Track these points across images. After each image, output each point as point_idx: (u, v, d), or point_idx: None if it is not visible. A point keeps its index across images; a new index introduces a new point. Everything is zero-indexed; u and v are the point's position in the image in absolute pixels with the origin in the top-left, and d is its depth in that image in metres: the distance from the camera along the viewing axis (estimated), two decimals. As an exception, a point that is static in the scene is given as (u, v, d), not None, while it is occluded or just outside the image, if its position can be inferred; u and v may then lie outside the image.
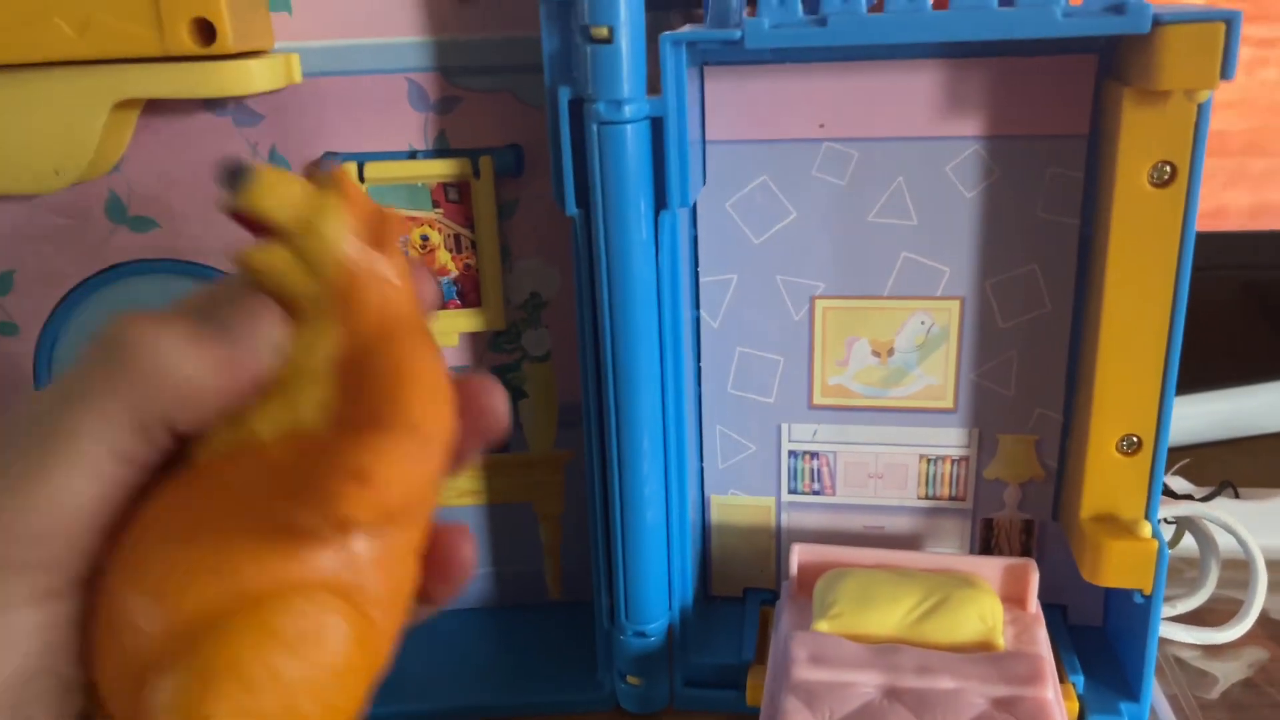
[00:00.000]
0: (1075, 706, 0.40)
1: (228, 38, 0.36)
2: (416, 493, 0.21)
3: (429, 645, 0.46)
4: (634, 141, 0.35)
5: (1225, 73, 0.32)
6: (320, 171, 0.23)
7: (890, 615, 0.38)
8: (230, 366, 0.21)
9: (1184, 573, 0.49)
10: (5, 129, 0.38)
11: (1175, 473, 0.53)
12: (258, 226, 0.22)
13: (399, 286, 0.23)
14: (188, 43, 0.36)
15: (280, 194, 0.22)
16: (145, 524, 0.21)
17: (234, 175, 0.21)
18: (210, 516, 0.21)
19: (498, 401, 0.24)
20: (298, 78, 0.39)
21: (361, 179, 0.41)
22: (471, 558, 0.24)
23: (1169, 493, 0.50)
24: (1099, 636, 0.44)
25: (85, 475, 0.20)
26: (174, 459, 0.22)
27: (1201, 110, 0.34)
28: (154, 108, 0.40)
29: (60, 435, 0.20)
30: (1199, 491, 0.51)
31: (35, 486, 0.20)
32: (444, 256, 0.43)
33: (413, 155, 0.41)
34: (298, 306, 0.22)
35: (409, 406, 0.22)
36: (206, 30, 0.36)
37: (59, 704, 0.21)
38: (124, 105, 0.38)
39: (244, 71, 0.37)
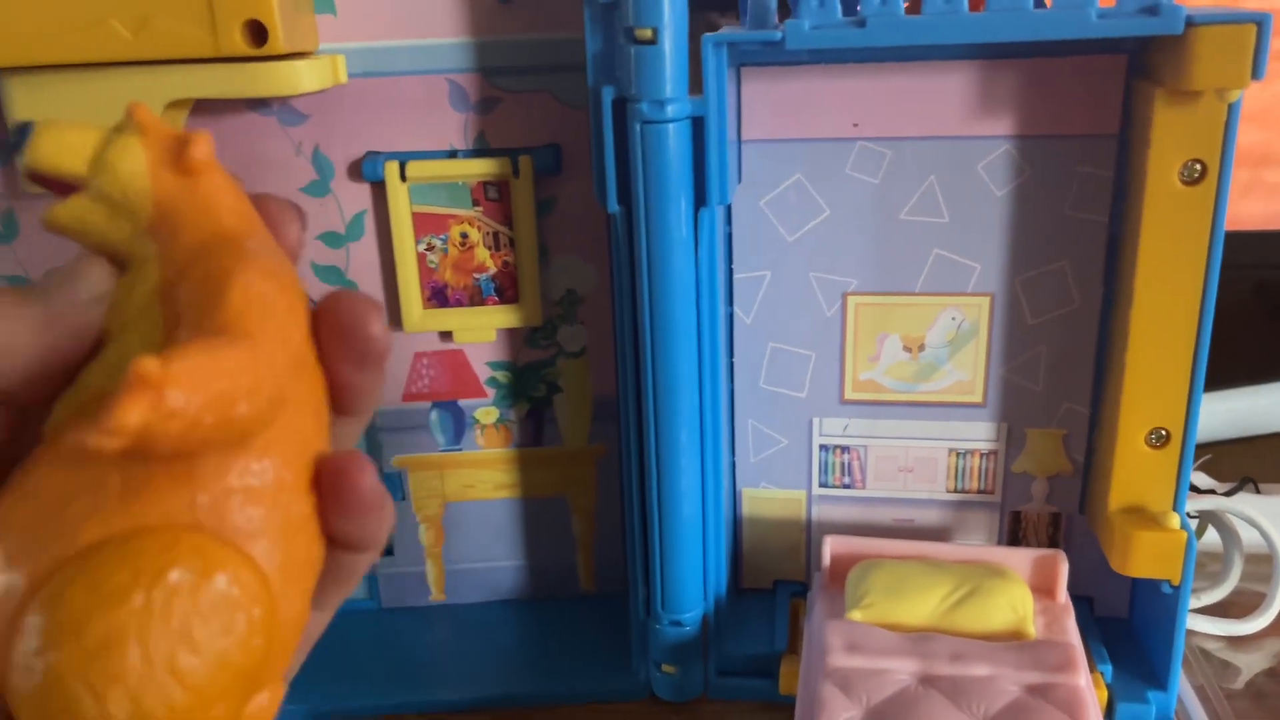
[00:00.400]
0: (1104, 695, 0.41)
1: (279, 39, 0.37)
2: (229, 396, 0.19)
3: (465, 636, 0.47)
4: (676, 140, 0.36)
5: (1256, 73, 0.33)
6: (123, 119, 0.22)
7: (922, 605, 0.39)
8: (47, 323, 0.21)
9: (1207, 566, 0.49)
10: (58, 128, 0.39)
11: (1197, 468, 0.54)
12: (62, 186, 0.21)
13: (216, 206, 0.22)
14: (241, 44, 0.36)
15: (68, 144, 0.21)
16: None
17: (22, 137, 0.21)
18: (52, 483, 0.20)
19: (363, 313, 0.22)
20: (344, 78, 0.40)
21: (403, 178, 0.42)
22: (369, 485, 0.21)
23: (1192, 488, 0.51)
24: (1125, 628, 0.45)
25: None
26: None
27: (1232, 110, 0.35)
28: (202, 107, 0.41)
29: None
30: (1221, 487, 0.52)
31: None
32: (483, 254, 0.43)
33: (453, 154, 0.42)
34: (121, 252, 0.22)
35: (222, 310, 0.20)
36: (259, 32, 0.37)
37: None
38: (175, 105, 0.39)
39: (292, 72, 0.38)
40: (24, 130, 0.21)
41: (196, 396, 0.18)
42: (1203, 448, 0.59)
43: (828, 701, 0.36)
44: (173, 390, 0.17)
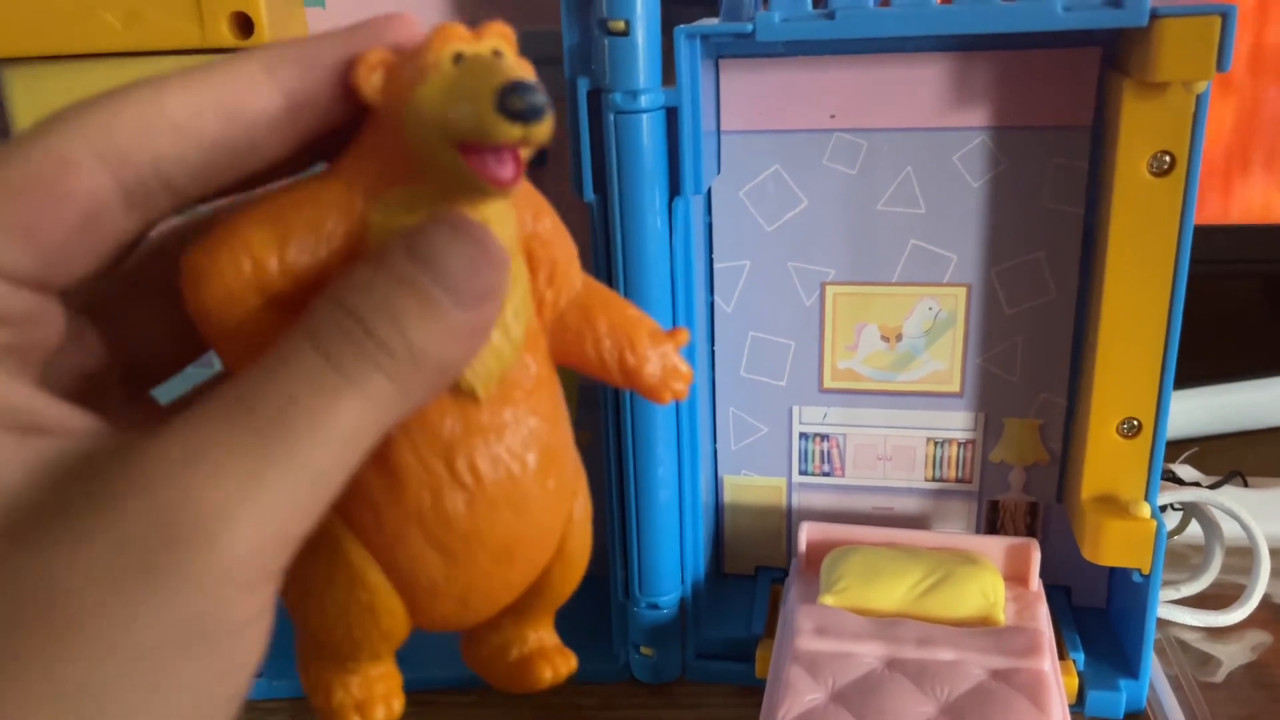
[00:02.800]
0: (1075, 682, 0.41)
1: (265, 32, 0.38)
2: None
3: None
4: (649, 130, 0.37)
5: (1221, 64, 0.33)
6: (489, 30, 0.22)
7: (894, 590, 0.40)
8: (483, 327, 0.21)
9: (1189, 558, 0.49)
10: (55, 118, 0.40)
11: (1184, 461, 0.54)
12: (517, 174, 0.20)
13: None
14: (228, 35, 0.37)
15: None
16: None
17: (541, 101, 0.18)
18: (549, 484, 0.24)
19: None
20: (330, 69, 0.41)
21: (390, 167, 0.43)
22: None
23: (1176, 480, 0.51)
24: (1102, 618, 0.45)
25: None
26: None
27: (1200, 101, 0.35)
28: (194, 98, 0.42)
29: None
30: (1207, 480, 0.52)
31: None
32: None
33: (439, 144, 0.43)
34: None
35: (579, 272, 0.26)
36: (245, 24, 0.38)
37: None
38: (166, 95, 0.40)
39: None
40: (537, 96, 0.18)
41: None
42: (1192, 441, 0.59)
43: (793, 683, 0.37)
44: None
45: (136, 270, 0.23)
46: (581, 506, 0.26)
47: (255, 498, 0.17)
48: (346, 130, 0.21)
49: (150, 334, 0.23)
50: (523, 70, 0.19)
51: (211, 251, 0.20)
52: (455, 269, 0.18)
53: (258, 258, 0.20)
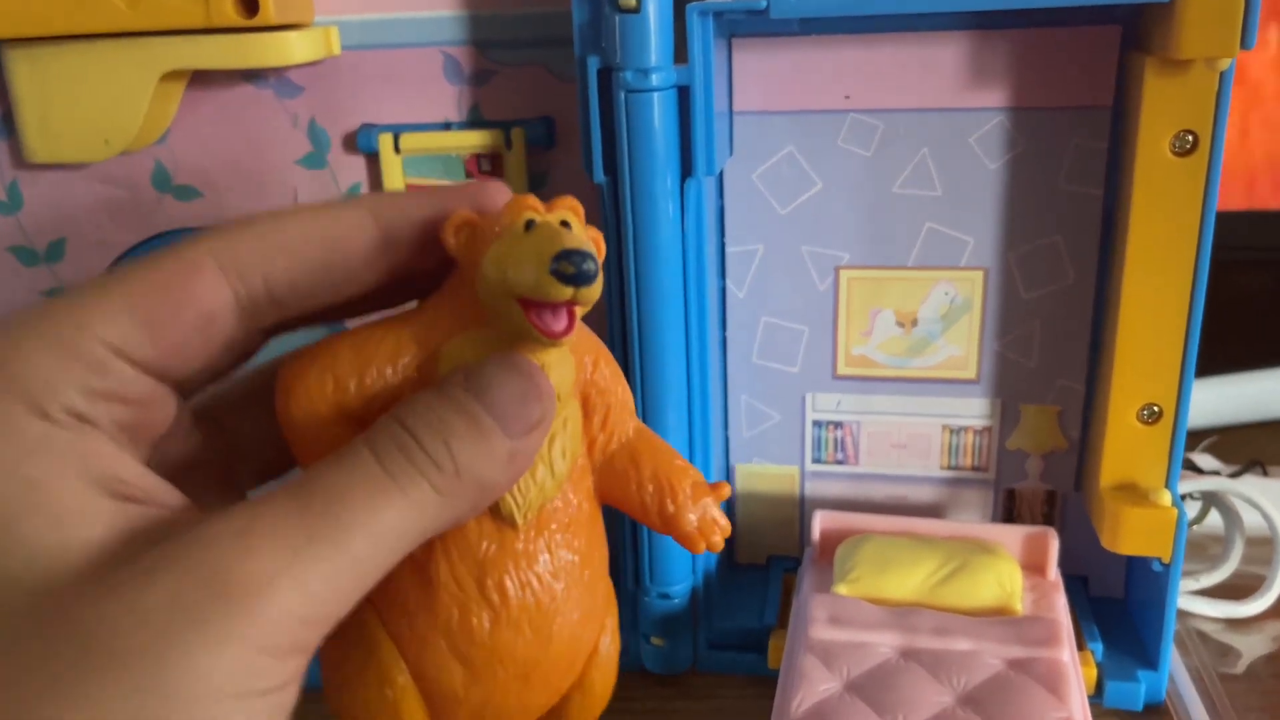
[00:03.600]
0: (1094, 673, 0.40)
1: (269, 10, 0.37)
2: None
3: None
4: (661, 109, 0.36)
5: (1245, 41, 0.33)
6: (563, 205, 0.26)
7: (909, 580, 0.39)
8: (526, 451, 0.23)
9: (1209, 548, 0.49)
10: (58, 99, 0.40)
11: (1203, 450, 0.53)
12: (569, 327, 0.23)
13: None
14: (232, 14, 0.37)
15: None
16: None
17: (591, 267, 0.22)
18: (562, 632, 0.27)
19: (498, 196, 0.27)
20: (337, 49, 0.41)
21: (397, 150, 0.42)
22: None
23: (1195, 468, 0.50)
24: (1120, 608, 0.44)
25: None
26: None
27: (1223, 79, 0.34)
28: (198, 80, 0.41)
29: None
30: (1227, 469, 0.51)
31: None
32: (477, 226, 0.44)
33: (447, 127, 0.42)
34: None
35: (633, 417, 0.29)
36: (250, 4, 0.37)
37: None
38: (170, 77, 0.39)
39: (284, 43, 0.38)
40: (587, 263, 0.22)
41: None
42: (1210, 430, 0.58)
43: (808, 673, 0.36)
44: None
45: (248, 385, 0.26)
46: (609, 641, 0.28)
47: (296, 573, 0.19)
48: (436, 274, 0.25)
49: (252, 439, 0.26)
50: (583, 240, 0.22)
51: (302, 367, 0.24)
52: (505, 399, 0.21)
53: (340, 378, 0.23)
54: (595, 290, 0.22)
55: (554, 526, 0.25)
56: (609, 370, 0.27)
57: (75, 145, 0.40)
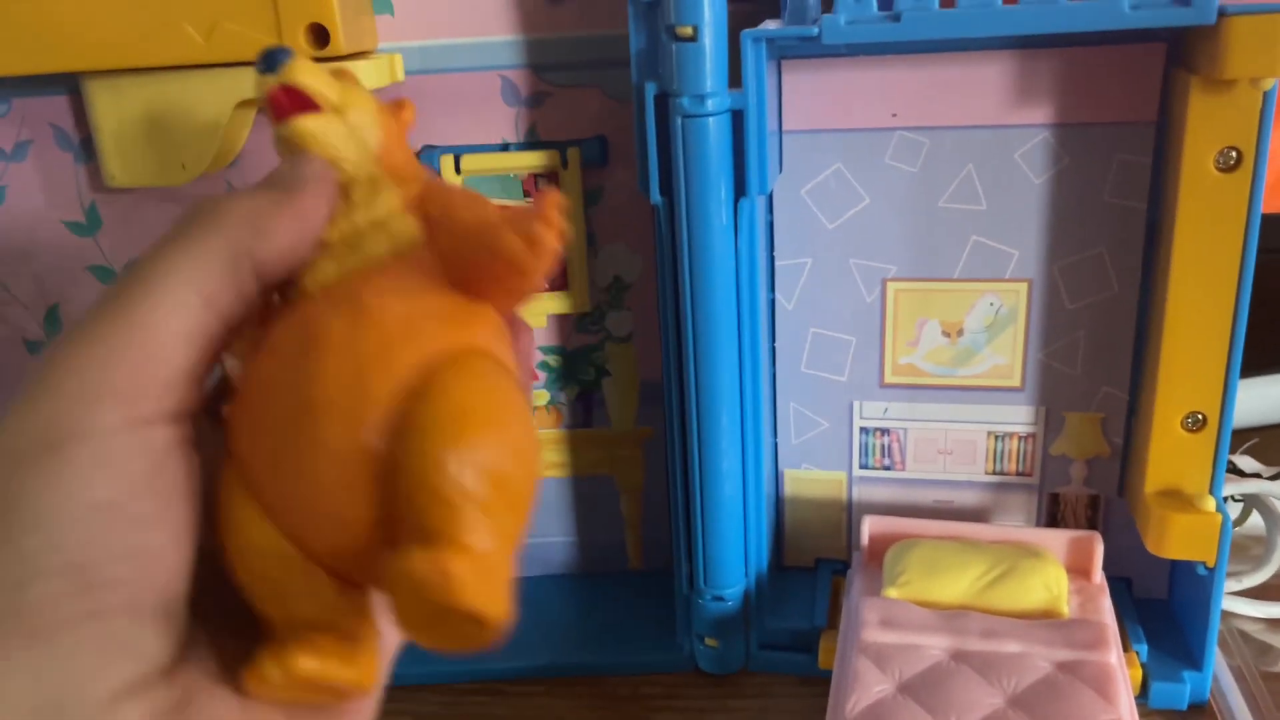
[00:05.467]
0: (1139, 674, 0.41)
1: (340, 40, 0.39)
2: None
3: (519, 607, 0.49)
4: (716, 133, 0.37)
5: (1290, 61, 0.33)
6: (337, 70, 0.26)
7: (957, 583, 0.40)
8: (300, 206, 0.24)
9: (1250, 549, 0.49)
10: (136, 126, 0.42)
11: (1244, 452, 0.54)
12: (294, 105, 0.25)
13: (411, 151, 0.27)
14: (304, 46, 0.39)
15: (319, 74, 0.25)
16: (296, 325, 0.23)
17: (273, 57, 0.24)
18: (393, 312, 0.23)
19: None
20: (401, 76, 0.42)
21: (458, 170, 0.44)
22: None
23: (1237, 471, 0.51)
24: (1163, 609, 0.45)
25: (173, 310, 0.22)
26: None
27: (1267, 98, 0.35)
28: (269, 106, 0.43)
29: (153, 277, 0.22)
30: (1268, 471, 0.52)
31: (128, 318, 0.22)
32: (533, 242, 0.45)
33: (505, 148, 0.44)
34: (343, 172, 0.25)
35: (488, 208, 0.25)
36: (321, 34, 0.39)
37: (172, 526, 0.22)
38: (244, 104, 0.41)
39: (355, 72, 0.40)
40: (274, 53, 0.25)
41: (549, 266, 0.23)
42: (1251, 431, 0.59)
43: (862, 674, 0.37)
44: (552, 248, 0.23)
45: None
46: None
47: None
48: None
49: None
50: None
51: None
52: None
53: None
54: (293, 70, 0.24)
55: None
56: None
57: (154, 170, 0.42)
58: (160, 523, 0.21)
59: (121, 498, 0.21)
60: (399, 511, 0.21)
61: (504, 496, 0.21)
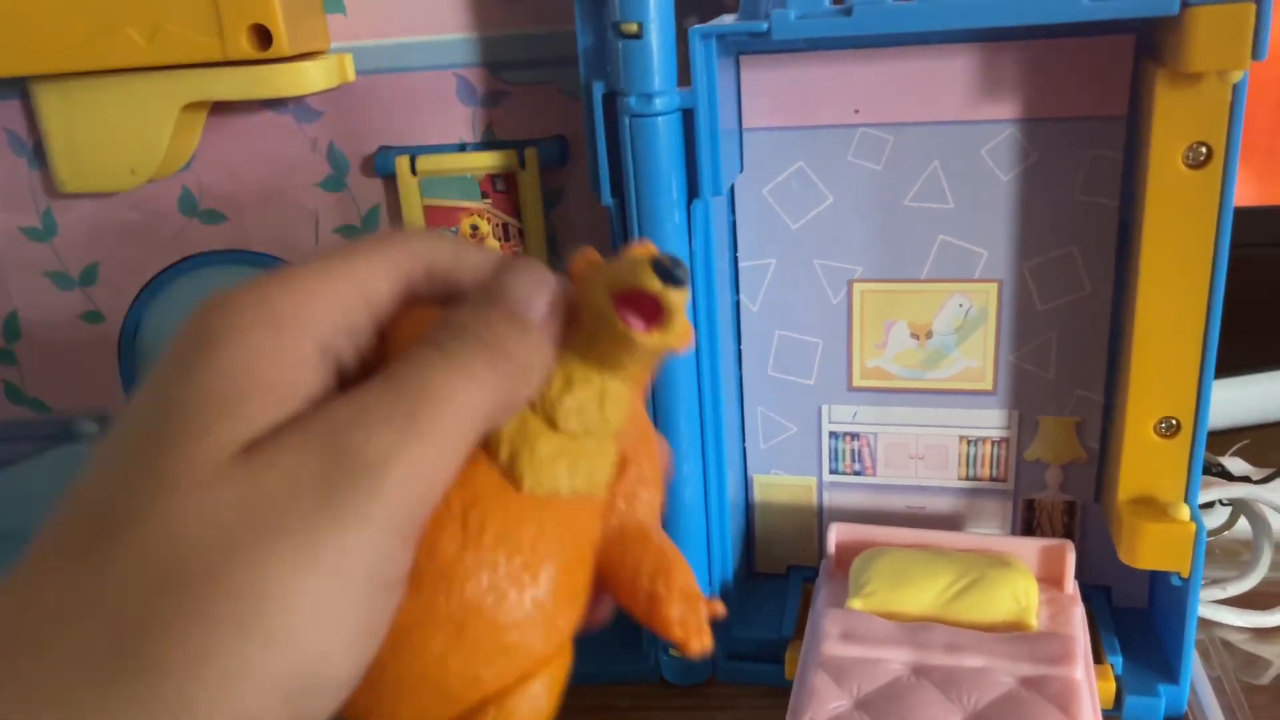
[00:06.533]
0: (1112, 687, 0.40)
1: (283, 42, 0.38)
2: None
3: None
4: (665, 133, 0.36)
5: (1257, 53, 0.32)
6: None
7: (924, 594, 0.39)
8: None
9: (1240, 555, 0.48)
10: (84, 132, 0.41)
11: (1234, 453, 0.52)
12: (653, 315, 0.23)
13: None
14: (247, 48, 0.38)
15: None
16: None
17: (679, 275, 0.23)
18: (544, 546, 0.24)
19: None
20: (351, 76, 0.41)
21: (414, 171, 0.43)
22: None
23: (1225, 474, 0.49)
24: (1144, 618, 0.44)
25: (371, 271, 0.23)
26: None
27: (1236, 91, 0.34)
28: (220, 108, 0.42)
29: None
30: (1258, 473, 0.50)
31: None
32: (493, 245, 0.44)
33: (462, 148, 0.43)
34: (620, 375, 0.24)
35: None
36: (264, 36, 0.38)
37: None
38: (192, 107, 0.40)
39: (300, 73, 0.39)
40: (677, 271, 0.23)
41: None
42: (1241, 432, 0.57)
43: (819, 690, 0.36)
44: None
45: None
46: (540, 688, 0.25)
47: (408, 450, 0.20)
48: None
49: None
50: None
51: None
52: (521, 289, 0.23)
53: None
54: (683, 295, 0.23)
55: (549, 526, 0.24)
56: (650, 464, 0.27)
57: (103, 175, 0.42)
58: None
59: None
60: None
61: None
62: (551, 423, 0.24)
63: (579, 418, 0.24)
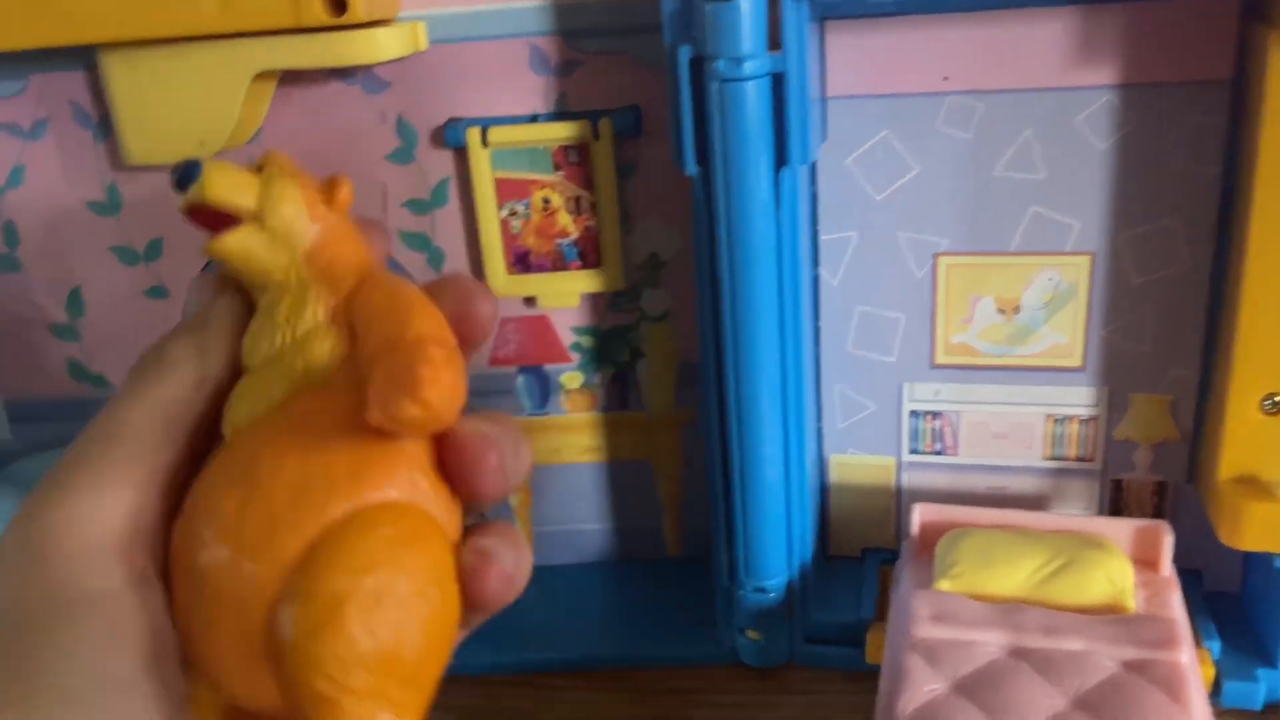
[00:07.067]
0: (1211, 672, 0.39)
1: (359, 8, 0.37)
2: (460, 396, 0.22)
3: (553, 597, 0.48)
4: (754, 98, 0.35)
5: (1386, 9, 0.31)
6: (263, 159, 0.25)
7: (1013, 576, 0.38)
8: (204, 363, 0.25)
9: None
10: (153, 103, 0.40)
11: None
12: (216, 220, 0.24)
13: (356, 237, 0.25)
14: (321, 14, 0.37)
15: (236, 183, 0.24)
16: (201, 495, 0.23)
17: (185, 173, 0.23)
18: (281, 474, 0.22)
19: (481, 305, 0.25)
20: (424, 44, 0.40)
21: (485, 143, 0.42)
22: (490, 458, 0.23)
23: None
24: (1236, 603, 0.43)
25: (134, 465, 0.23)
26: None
27: (1358, 50, 0.32)
28: (289, 79, 0.41)
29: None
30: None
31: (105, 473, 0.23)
32: (564, 219, 0.43)
33: (534, 119, 0.42)
34: (273, 280, 0.24)
35: (420, 323, 0.23)
36: (338, 1, 0.37)
37: (172, 703, 0.22)
38: (262, 77, 0.40)
39: (373, 40, 0.38)
40: (186, 168, 0.23)
41: (461, 385, 0.22)
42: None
43: (912, 672, 0.35)
44: (451, 387, 0.21)
45: None
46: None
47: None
48: None
49: None
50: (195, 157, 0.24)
51: None
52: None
53: None
54: (202, 187, 0.23)
55: (242, 452, 0.23)
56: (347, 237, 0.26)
57: (171, 147, 0.41)
58: (163, 701, 0.21)
59: (136, 675, 0.21)
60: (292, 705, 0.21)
61: (396, 670, 0.21)
62: (249, 370, 0.24)
63: (252, 350, 0.24)
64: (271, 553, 0.21)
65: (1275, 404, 0.37)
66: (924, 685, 0.35)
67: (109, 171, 0.44)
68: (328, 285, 0.24)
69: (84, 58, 0.41)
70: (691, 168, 0.37)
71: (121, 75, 0.40)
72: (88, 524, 0.22)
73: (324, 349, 0.24)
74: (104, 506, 0.22)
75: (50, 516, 0.22)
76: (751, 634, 0.43)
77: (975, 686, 0.34)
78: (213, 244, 0.24)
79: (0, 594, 0.21)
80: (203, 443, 0.24)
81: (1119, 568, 0.38)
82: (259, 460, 0.22)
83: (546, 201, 0.43)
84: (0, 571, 0.21)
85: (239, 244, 0.24)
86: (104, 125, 0.43)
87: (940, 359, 0.43)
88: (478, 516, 0.25)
